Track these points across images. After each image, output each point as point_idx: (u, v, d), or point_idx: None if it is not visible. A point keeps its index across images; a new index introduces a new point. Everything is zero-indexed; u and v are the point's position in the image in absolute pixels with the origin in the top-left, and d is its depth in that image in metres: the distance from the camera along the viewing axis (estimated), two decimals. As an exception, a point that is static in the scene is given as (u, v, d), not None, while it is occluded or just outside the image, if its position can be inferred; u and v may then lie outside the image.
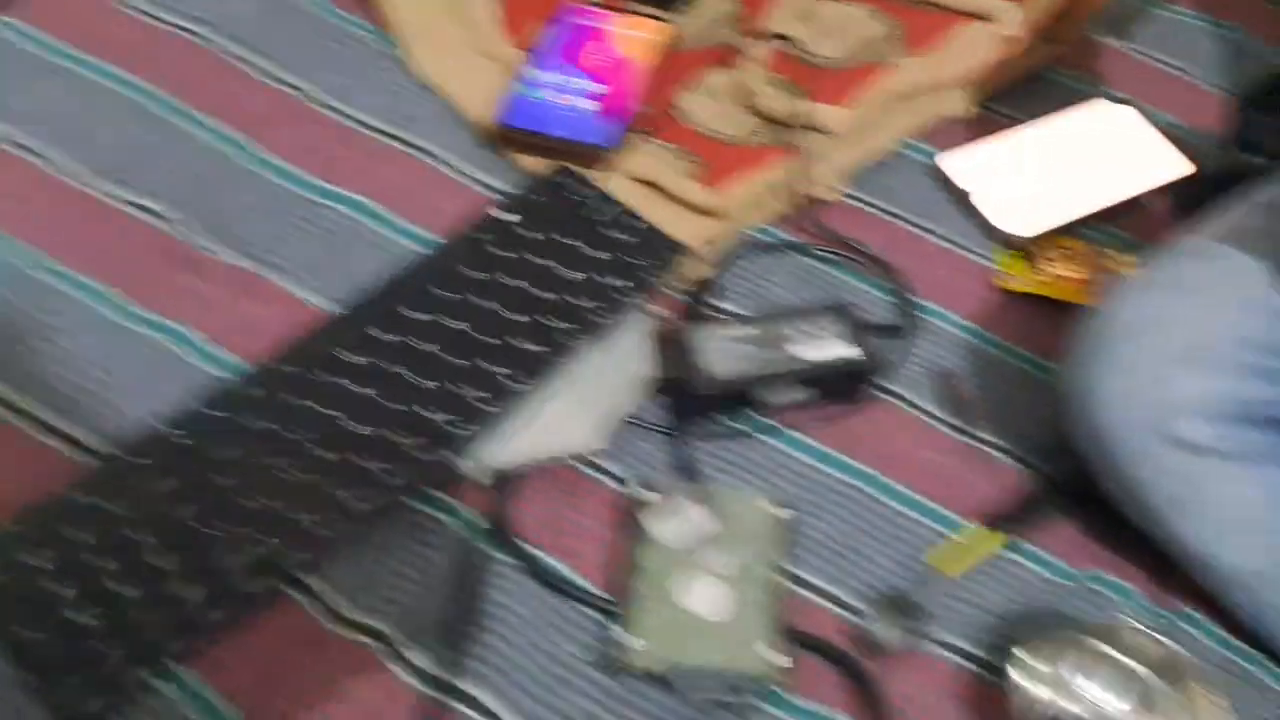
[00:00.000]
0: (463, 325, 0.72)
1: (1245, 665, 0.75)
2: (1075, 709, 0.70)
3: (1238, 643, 0.76)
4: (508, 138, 0.92)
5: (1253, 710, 0.73)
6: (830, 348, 0.82)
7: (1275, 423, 0.69)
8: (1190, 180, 0.98)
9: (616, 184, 0.86)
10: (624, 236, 0.78)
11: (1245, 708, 0.72)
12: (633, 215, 0.78)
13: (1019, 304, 0.91)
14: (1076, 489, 0.80)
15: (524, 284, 0.74)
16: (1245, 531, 0.70)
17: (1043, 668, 0.71)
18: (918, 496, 0.80)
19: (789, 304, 0.88)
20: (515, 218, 0.79)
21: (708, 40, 1.01)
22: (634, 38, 1.00)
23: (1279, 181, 0.78)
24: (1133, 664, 0.71)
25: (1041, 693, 0.70)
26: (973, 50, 1.01)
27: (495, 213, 0.78)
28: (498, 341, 0.71)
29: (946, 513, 0.79)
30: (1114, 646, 0.71)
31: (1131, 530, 0.76)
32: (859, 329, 0.83)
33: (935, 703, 0.71)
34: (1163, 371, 0.69)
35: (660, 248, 0.78)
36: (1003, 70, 1.03)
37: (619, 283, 0.76)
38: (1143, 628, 0.71)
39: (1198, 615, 0.76)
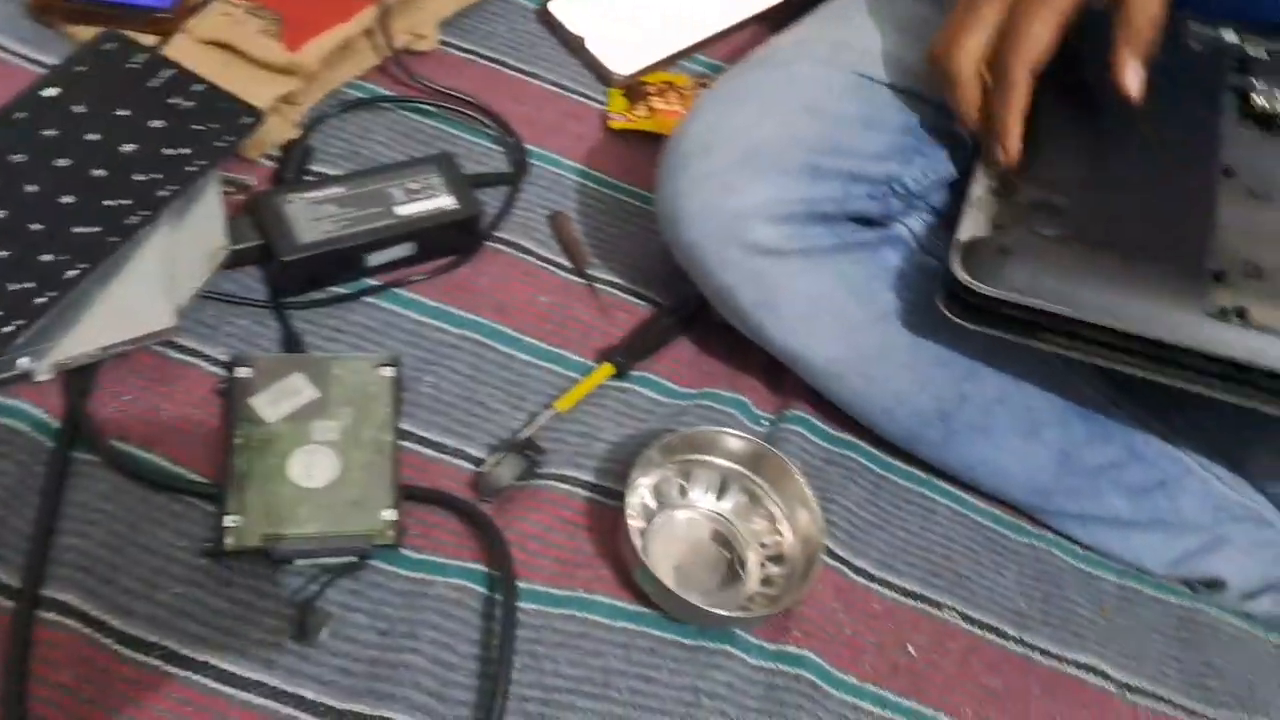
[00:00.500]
0: (1, 214, 0.65)
1: (848, 454, 0.81)
2: (682, 515, 0.74)
3: (844, 435, 0.81)
4: (53, 7, 0.83)
5: (856, 494, 0.79)
6: (430, 201, 0.80)
7: (837, 217, 0.73)
8: (785, 5, 1.01)
9: (182, 48, 0.79)
10: (183, 102, 0.72)
11: (837, 493, 0.78)
12: (191, 77, 0.72)
13: (627, 142, 0.92)
14: (689, 312, 0.83)
15: (71, 162, 0.68)
16: (825, 323, 0.74)
17: (646, 480, 0.74)
18: (535, 341, 0.80)
19: (390, 160, 0.85)
20: (54, 91, 0.71)
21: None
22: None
23: None
24: (729, 464, 0.75)
25: (648, 502, 0.73)
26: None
27: (33, 89, 0.71)
28: (43, 227, 0.65)
29: (564, 353, 0.80)
30: (711, 453, 0.75)
31: (750, 346, 0.79)
32: (463, 180, 0.81)
33: (554, 533, 0.72)
34: (730, 179, 0.71)
35: (228, 112, 0.73)
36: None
37: (182, 151, 0.70)
38: (737, 433, 0.74)
39: (805, 415, 0.81)
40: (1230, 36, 0.75)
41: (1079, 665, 0.75)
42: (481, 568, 0.69)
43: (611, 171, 0.90)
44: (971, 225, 0.64)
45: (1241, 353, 0.60)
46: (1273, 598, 0.78)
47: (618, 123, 0.92)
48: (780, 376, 0.83)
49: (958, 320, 0.66)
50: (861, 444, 0.81)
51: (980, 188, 0.66)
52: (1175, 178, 0.65)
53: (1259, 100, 0.68)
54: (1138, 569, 0.80)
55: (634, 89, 0.94)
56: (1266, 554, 0.78)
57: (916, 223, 0.76)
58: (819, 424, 0.81)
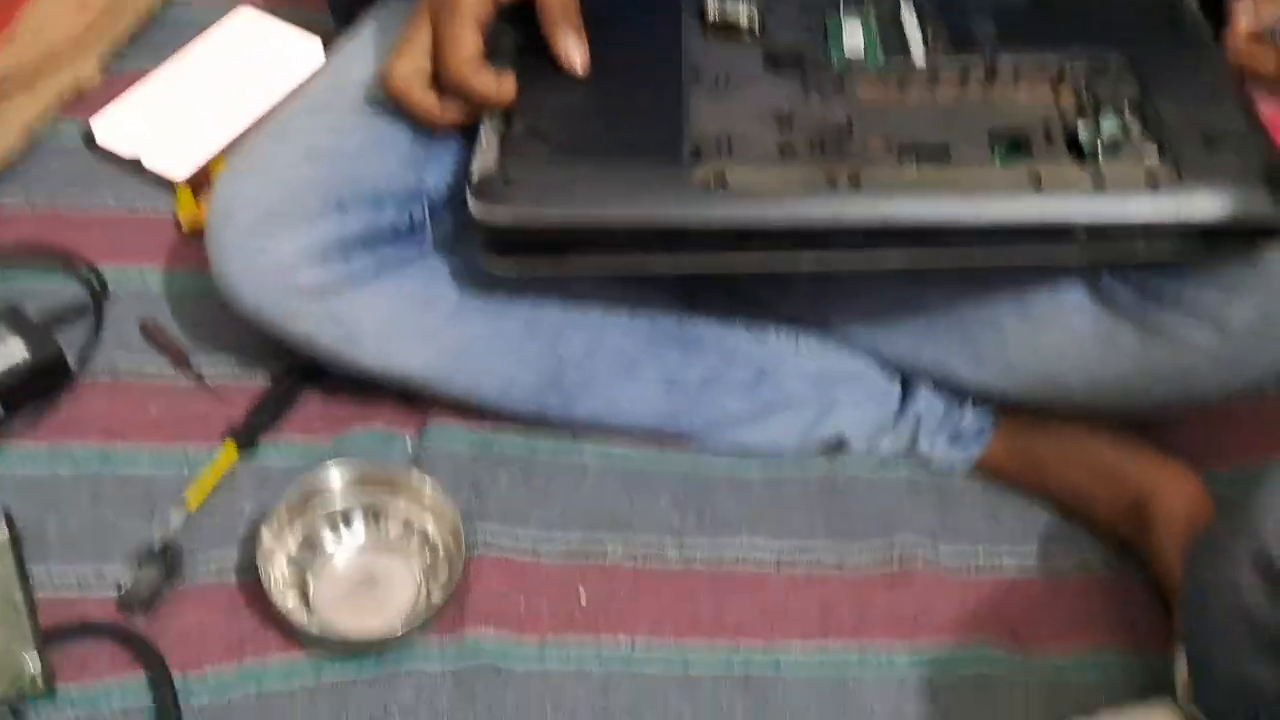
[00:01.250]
0: None
1: (494, 446, 0.83)
2: (340, 558, 0.77)
3: (483, 431, 0.84)
4: None
5: (508, 479, 0.82)
6: (8, 354, 0.81)
7: (374, 240, 0.76)
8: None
9: None
10: None
11: (490, 484, 0.81)
12: None
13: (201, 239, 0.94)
14: (304, 368, 0.85)
15: None
16: (406, 338, 0.78)
17: (283, 538, 0.76)
18: (155, 450, 0.81)
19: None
20: None
21: None
22: None
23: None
24: (354, 497, 0.78)
25: (283, 569, 0.76)
26: (56, 20, 1.01)
27: None
28: None
29: (189, 452, 0.81)
30: (333, 488, 0.78)
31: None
32: (32, 325, 0.82)
33: (214, 624, 0.73)
34: (259, 240, 0.74)
35: None
36: (116, 22, 1.04)
37: None
38: (348, 461, 0.78)
39: (444, 424, 0.83)
40: None
41: (736, 559, 0.80)
42: (144, 678, 0.70)
43: (195, 267, 0.91)
44: (480, 166, 0.68)
45: (729, 214, 0.66)
46: (888, 436, 0.86)
47: (191, 221, 0.93)
48: (416, 397, 0.85)
49: (497, 268, 0.70)
50: (504, 432, 0.85)
51: (485, 135, 0.71)
52: (649, 86, 0.72)
53: (712, 14, 0.76)
54: (774, 454, 0.86)
55: (200, 182, 0.96)
56: (872, 402, 0.85)
57: (449, 219, 0.79)
58: (459, 428, 0.84)
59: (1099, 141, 0.69)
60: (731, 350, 0.84)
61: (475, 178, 0.68)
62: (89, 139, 0.99)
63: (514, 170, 0.67)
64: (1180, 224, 0.68)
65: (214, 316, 0.89)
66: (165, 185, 0.97)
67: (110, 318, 0.88)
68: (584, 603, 0.77)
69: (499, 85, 0.70)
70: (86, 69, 1.02)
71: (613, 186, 0.67)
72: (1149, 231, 0.68)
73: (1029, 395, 0.82)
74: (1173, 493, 0.80)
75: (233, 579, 0.76)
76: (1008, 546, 0.83)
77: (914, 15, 0.77)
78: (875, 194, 0.66)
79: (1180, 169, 0.68)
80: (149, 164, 0.98)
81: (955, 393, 0.85)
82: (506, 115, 0.70)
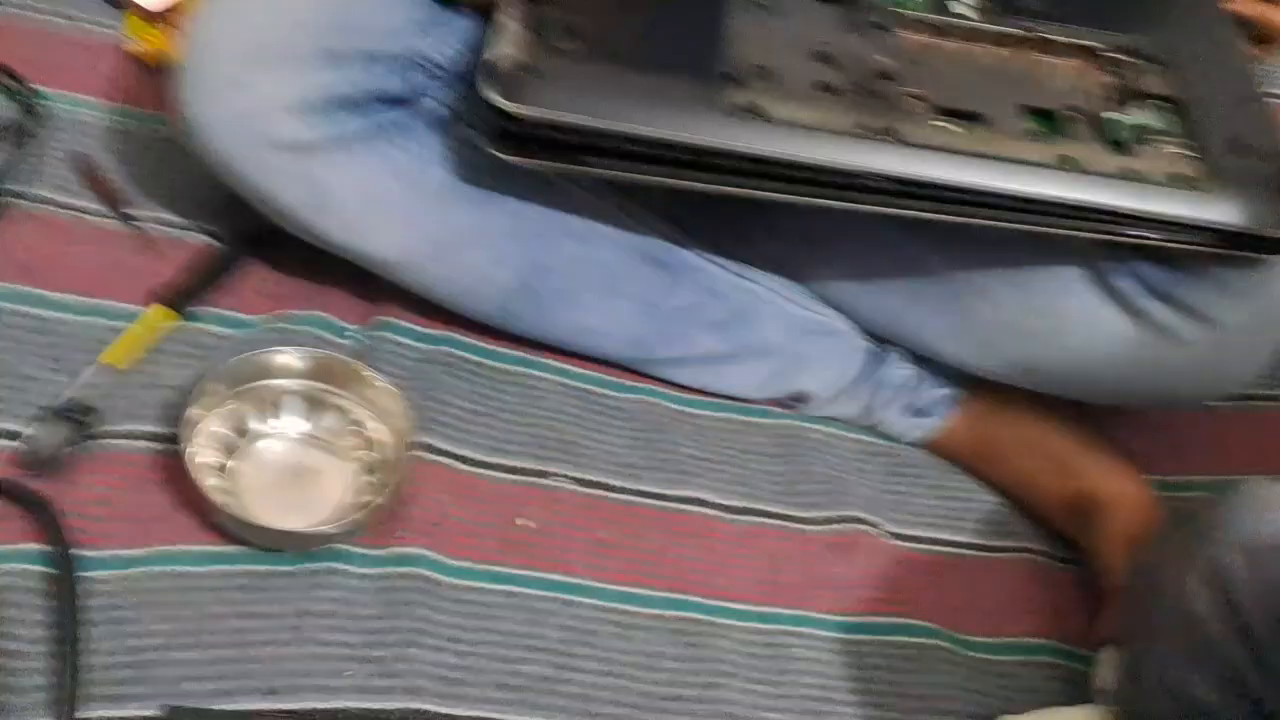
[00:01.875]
0: None
1: (444, 349, 0.79)
2: (265, 444, 0.71)
3: (437, 331, 0.79)
4: None
5: (457, 386, 0.77)
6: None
7: (362, 100, 0.71)
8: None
9: None
10: None
11: (437, 389, 0.77)
12: None
13: (149, 69, 0.86)
14: (252, 235, 0.79)
15: None
16: (383, 215, 0.73)
17: (210, 417, 0.70)
18: (76, 297, 0.74)
19: None
20: None
21: None
22: None
23: None
24: (303, 383, 0.72)
25: (226, 434, 0.70)
26: None
27: None
28: None
29: (113, 304, 0.75)
30: (275, 376, 0.72)
31: (330, 258, 0.76)
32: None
33: (122, 494, 0.67)
34: (239, 76, 0.68)
35: None
36: None
37: None
38: (296, 349, 0.72)
39: (393, 319, 0.79)
40: None
41: (684, 500, 0.78)
42: (39, 546, 0.64)
43: (139, 100, 0.84)
44: (498, 47, 0.64)
45: (756, 146, 0.64)
46: (849, 398, 0.84)
47: (136, 47, 0.85)
48: (366, 286, 0.80)
49: (504, 156, 0.66)
50: (456, 336, 0.80)
51: (505, 15, 0.66)
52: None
53: None
54: (733, 398, 0.83)
55: (159, 12, 0.87)
56: (838, 360, 0.83)
57: (449, 95, 0.74)
58: (410, 325, 0.79)
59: (1129, 130, 0.68)
60: (714, 287, 0.80)
61: (498, 63, 0.63)
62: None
63: (544, 63, 0.63)
64: (1197, 224, 0.68)
65: (158, 162, 0.83)
66: (111, 3, 0.88)
67: (38, 142, 0.79)
68: (524, 525, 0.73)
69: None
70: None
71: (646, 100, 0.63)
72: (1165, 226, 0.68)
73: (1003, 372, 0.80)
74: (1121, 493, 0.80)
75: (147, 450, 0.70)
76: (950, 524, 0.82)
77: None
78: (907, 150, 0.64)
79: (1205, 171, 0.67)
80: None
81: (925, 365, 0.83)
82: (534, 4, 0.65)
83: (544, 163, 0.66)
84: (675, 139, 0.64)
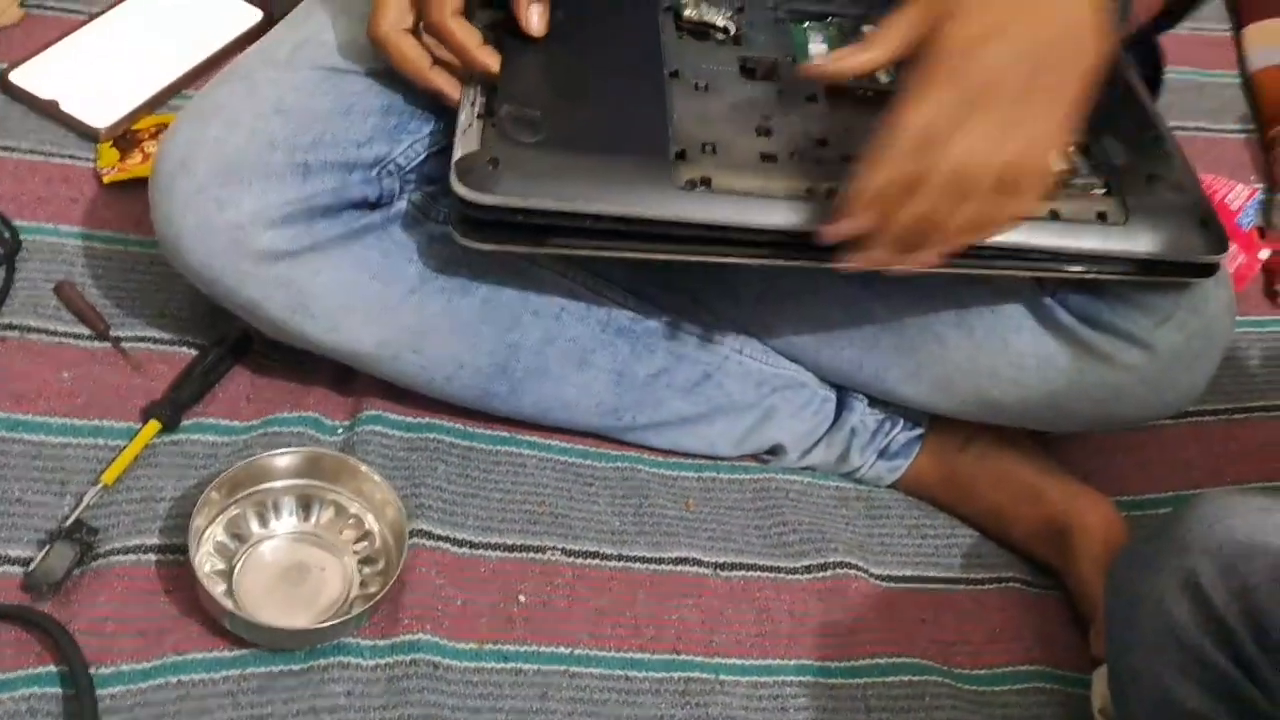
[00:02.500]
0: None
1: (430, 435, 0.81)
2: (267, 545, 0.73)
3: (420, 419, 0.82)
4: None
5: (445, 471, 0.79)
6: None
7: (337, 208, 0.73)
8: (264, 25, 1.00)
9: None
10: None
11: (426, 475, 0.79)
12: None
13: (127, 193, 0.89)
14: (234, 344, 0.82)
15: None
16: (360, 311, 0.75)
17: (213, 524, 0.72)
18: (66, 420, 0.76)
19: None
20: None
21: None
22: None
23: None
24: (299, 481, 0.74)
25: (226, 543, 0.72)
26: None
27: None
28: None
29: (104, 424, 0.77)
30: (273, 479, 0.74)
31: (312, 360, 0.78)
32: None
33: (130, 609, 0.69)
34: (217, 194, 0.70)
35: None
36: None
37: None
38: (288, 450, 0.74)
39: (378, 411, 0.81)
40: None
41: (674, 561, 0.80)
42: (54, 668, 0.66)
43: (116, 226, 0.87)
44: (463, 146, 0.68)
45: (712, 215, 0.67)
46: (823, 447, 0.87)
47: (111, 175, 0.88)
48: (348, 382, 0.83)
49: (474, 244, 0.69)
50: (441, 422, 0.83)
51: (465, 116, 0.70)
52: (630, 83, 0.73)
53: (689, 14, 0.77)
54: (712, 457, 0.86)
55: (126, 138, 0.91)
56: (809, 412, 0.86)
57: (417, 195, 0.77)
58: (394, 415, 0.82)
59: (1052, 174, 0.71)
60: (680, 351, 0.83)
61: (459, 155, 0.67)
62: (3, 81, 0.93)
63: (501, 153, 0.66)
64: (1123, 256, 0.72)
65: (135, 281, 0.85)
66: (85, 137, 0.91)
67: (22, 275, 0.82)
68: (523, 600, 0.75)
69: (480, 43, 0.69)
70: (4, 3, 0.96)
71: (602, 181, 0.66)
72: (1095, 259, 0.72)
73: (964, 410, 0.84)
74: (1090, 515, 0.83)
75: (151, 563, 0.71)
76: (932, 562, 0.84)
77: None
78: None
79: (1127, 207, 0.71)
80: (67, 107, 0.92)
81: (890, 408, 0.87)
82: (489, 97, 0.69)
83: (512, 247, 0.70)
84: (633, 214, 0.67)
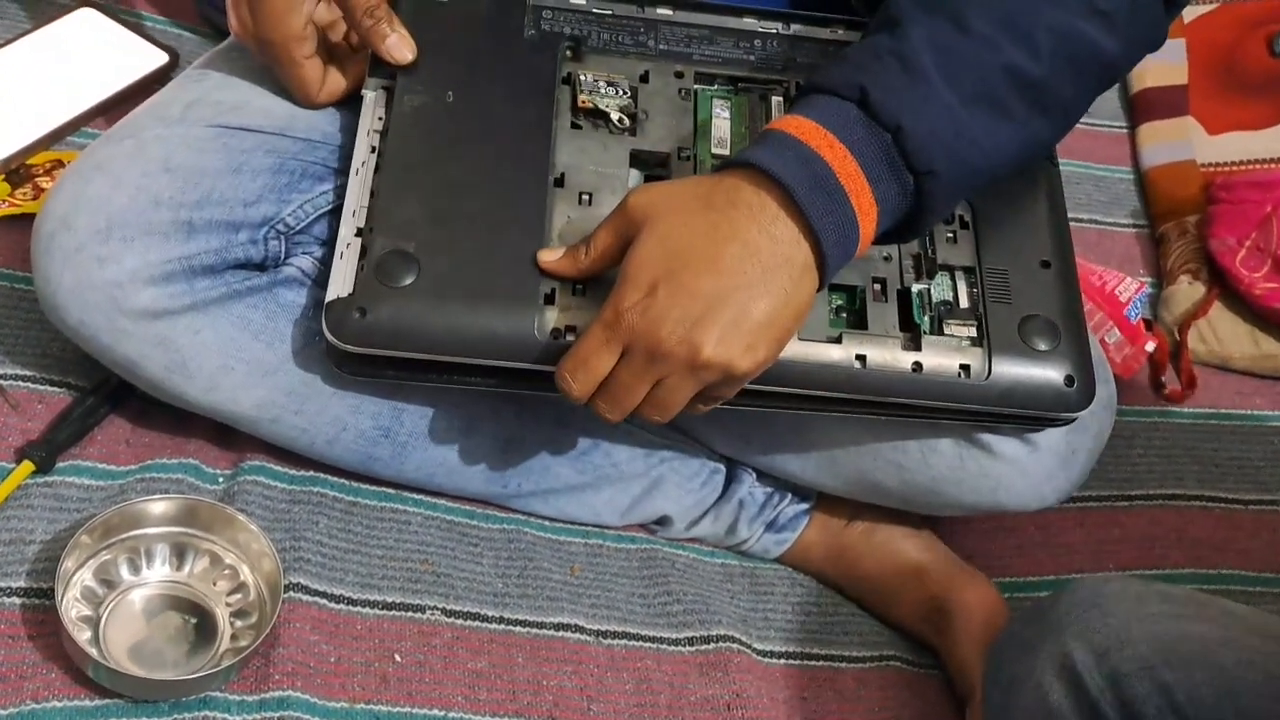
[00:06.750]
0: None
1: (313, 489, 0.80)
2: (137, 593, 0.71)
3: (304, 472, 0.81)
4: None
5: (326, 525, 0.78)
6: None
7: (221, 268, 0.72)
8: (168, 68, 1.00)
9: None
10: None
11: (307, 528, 0.78)
12: None
13: (15, 227, 0.87)
14: (114, 388, 0.79)
15: None
16: (241, 372, 0.74)
17: (82, 569, 0.70)
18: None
19: None
20: None
21: None
22: None
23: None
24: (172, 529, 0.73)
25: (95, 589, 0.70)
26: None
27: None
28: None
29: (-25, 463, 0.75)
30: (147, 525, 0.73)
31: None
32: None
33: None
34: (98, 251, 0.69)
35: None
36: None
37: None
38: (164, 496, 0.74)
39: (261, 462, 0.80)
40: None
41: (556, 626, 0.79)
42: (-103, 714, 0.63)
43: (1, 262, 0.85)
44: (335, 287, 0.69)
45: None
46: (710, 519, 0.87)
47: (0, 210, 0.87)
48: (232, 431, 0.81)
49: (346, 373, 0.71)
50: (326, 476, 0.82)
51: (342, 243, 0.70)
52: (511, 198, 0.72)
53: (584, 99, 0.75)
54: (598, 525, 0.86)
55: (19, 172, 0.89)
56: (697, 483, 0.86)
57: (305, 259, 0.76)
58: (278, 467, 0.80)
59: (933, 307, 0.73)
60: (568, 418, 0.83)
61: (331, 297, 0.68)
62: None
63: (370, 303, 0.67)
64: (980, 411, 0.73)
65: (19, 319, 0.83)
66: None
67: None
68: (399, 660, 0.74)
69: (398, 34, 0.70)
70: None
71: (468, 332, 0.68)
72: (952, 413, 0.73)
73: (848, 489, 0.85)
74: (971, 596, 0.84)
75: (15, 606, 0.69)
76: (816, 639, 0.85)
77: (783, 110, 0.77)
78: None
79: (990, 359, 0.71)
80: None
81: (778, 481, 0.87)
82: (370, 218, 0.70)
83: (383, 379, 0.72)
84: (495, 363, 0.69)
